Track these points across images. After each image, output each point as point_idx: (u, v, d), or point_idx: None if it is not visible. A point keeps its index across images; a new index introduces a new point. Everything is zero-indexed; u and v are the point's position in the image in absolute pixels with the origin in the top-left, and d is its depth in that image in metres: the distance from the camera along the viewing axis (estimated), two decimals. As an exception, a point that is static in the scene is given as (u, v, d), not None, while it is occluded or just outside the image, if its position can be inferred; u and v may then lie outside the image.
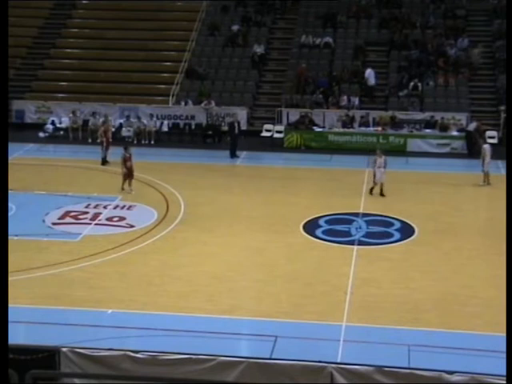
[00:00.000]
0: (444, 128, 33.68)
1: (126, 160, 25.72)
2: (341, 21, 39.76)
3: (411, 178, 28.70)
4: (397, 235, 22.63)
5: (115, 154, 28.22)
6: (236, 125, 32.23)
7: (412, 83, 35.98)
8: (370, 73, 36.09)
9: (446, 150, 33.12)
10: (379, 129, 33.85)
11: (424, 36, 38.46)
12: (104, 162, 29.50)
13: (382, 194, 26.03)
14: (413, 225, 23.29)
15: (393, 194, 26.37)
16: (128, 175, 25.77)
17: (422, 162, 31.51)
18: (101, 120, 34.30)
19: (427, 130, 33.84)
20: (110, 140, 30.06)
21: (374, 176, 26.15)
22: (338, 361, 14.42)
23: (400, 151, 32.72)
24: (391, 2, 40.41)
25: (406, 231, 22.86)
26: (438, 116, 34.10)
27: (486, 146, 27.93)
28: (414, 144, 33.31)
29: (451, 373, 12.09)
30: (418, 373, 12.32)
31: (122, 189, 25.77)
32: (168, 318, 17.04)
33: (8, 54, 14.03)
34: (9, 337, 15.57)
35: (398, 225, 23.40)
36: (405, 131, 33.83)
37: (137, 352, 13.69)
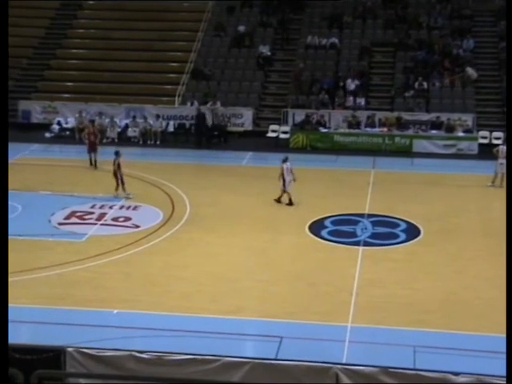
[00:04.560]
0: (450, 129, 33.63)
1: (119, 165, 25.50)
2: (347, 21, 39.72)
3: (417, 179, 28.67)
4: (402, 236, 22.60)
5: (123, 153, 28.33)
6: (207, 117, 33.74)
7: (418, 84, 35.94)
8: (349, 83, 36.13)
9: (452, 150, 33.08)
10: (385, 129, 33.81)
11: (430, 37, 38.41)
12: (91, 163, 29.33)
13: (291, 203, 24.89)
14: (418, 226, 23.27)
15: (398, 195, 26.35)
16: (122, 180, 25.60)
17: (427, 162, 31.46)
18: (106, 120, 34.43)
19: (433, 131, 33.79)
20: (97, 141, 29.74)
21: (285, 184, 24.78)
22: (344, 361, 14.40)
23: (406, 152, 32.71)
24: (397, 3, 40.36)
25: (412, 232, 22.84)
26: (443, 117, 34.05)
27: (501, 147, 27.90)
28: (419, 145, 33.27)
29: (457, 374, 12.07)
30: (423, 374, 12.32)
31: (118, 193, 25.59)
32: (173, 319, 17.05)
33: (8, 54, 14.04)
34: (15, 337, 15.63)
35: (403, 226, 23.37)
36: (410, 132, 33.79)
37: (142, 352, 13.71)
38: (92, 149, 29.38)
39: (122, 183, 25.52)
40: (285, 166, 25.04)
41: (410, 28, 38.87)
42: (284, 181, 24.92)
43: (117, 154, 25.76)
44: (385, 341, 15.97)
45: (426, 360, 14.72)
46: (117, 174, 25.42)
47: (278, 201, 25.15)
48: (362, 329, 16.60)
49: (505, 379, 11.61)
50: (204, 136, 33.80)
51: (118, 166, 25.45)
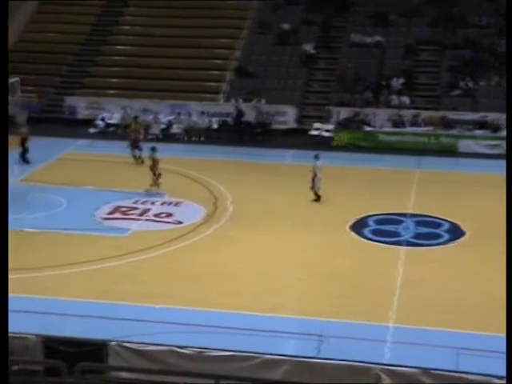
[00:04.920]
0: (496, 128, 33.19)
1: (156, 161, 25.69)
2: (392, 19, 39.43)
3: (462, 179, 28.34)
4: (445, 236, 22.39)
5: (167, 150, 28.52)
6: (251, 114, 34.54)
7: (464, 83, 35.55)
8: None
9: (498, 150, 32.58)
10: (430, 129, 33.51)
11: (477, 35, 37.93)
12: (134, 159, 29.48)
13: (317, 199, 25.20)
14: (462, 226, 23.02)
15: (442, 195, 26.09)
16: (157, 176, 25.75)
17: (473, 162, 31.06)
18: (151, 117, 34.63)
19: (479, 131, 33.38)
20: (140, 137, 29.85)
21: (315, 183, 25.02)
22: (385, 362, 14.31)
23: (451, 152, 32.35)
24: (444, 1, 39.92)
25: (455, 233, 22.62)
26: (490, 116, 33.60)
27: None
28: (465, 144, 32.89)
29: (501, 377, 11.92)
30: (466, 376, 12.20)
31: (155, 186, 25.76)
32: (214, 315, 17.11)
33: (8, 53, 14.24)
34: (59, 329, 15.88)
35: (447, 226, 23.15)
36: (456, 131, 33.42)
37: (183, 347, 13.81)
38: (135, 145, 29.59)
39: (157, 179, 25.60)
40: (317, 163, 25.04)
41: (457, 26, 38.43)
42: (314, 179, 24.97)
43: (153, 150, 25.96)
44: (426, 342, 15.83)
45: (469, 362, 14.52)
46: (153, 169, 25.58)
47: (317, 199, 25.14)
48: (403, 329, 16.50)
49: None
50: (242, 132, 33.99)
51: (155, 161, 25.61)
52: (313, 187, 25.05)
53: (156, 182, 25.63)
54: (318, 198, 25.14)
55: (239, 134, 34.01)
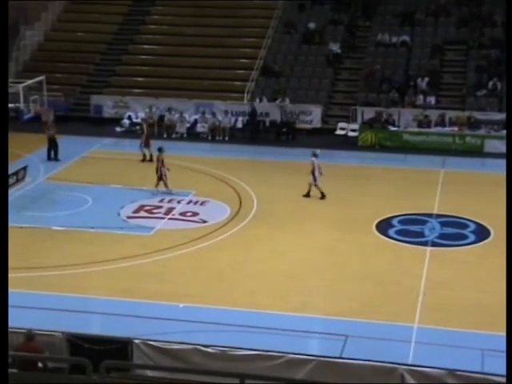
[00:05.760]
0: (523, 129, 32.89)
1: (163, 161, 25.72)
2: (419, 19, 39.23)
3: (488, 180, 28.13)
4: (471, 237, 22.26)
5: (192, 149, 28.54)
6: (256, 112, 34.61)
7: (491, 83, 35.30)
8: None
9: (525, 151, 32.34)
10: (455, 129, 33.31)
11: (504, 34, 37.62)
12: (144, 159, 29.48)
13: (323, 197, 25.27)
14: (488, 227, 22.87)
15: (468, 196, 25.93)
16: (165, 176, 25.65)
17: (499, 163, 30.76)
18: (176, 116, 34.70)
19: (506, 131, 33.09)
20: (144, 137, 29.92)
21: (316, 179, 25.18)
22: (410, 362, 14.26)
23: (477, 152, 32.14)
24: (470, 0, 39.64)
25: (481, 233, 22.46)
26: (517, 116, 33.30)
27: None
28: (491, 145, 32.63)
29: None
30: (491, 378, 12.12)
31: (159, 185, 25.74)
32: (238, 314, 17.14)
33: (8, 53, 14.29)
34: (84, 327, 15.97)
35: (473, 227, 23.00)
36: (482, 132, 33.19)
37: (207, 346, 13.84)
38: (146, 144, 29.58)
39: (162, 179, 25.51)
40: (314, 160, 25.18)
41: (484, 26, 38.15)
42: (314, 175, 25.10)
43: (160, 150, 25.93)
44: (452, 343, 15.75)
45: (494, 364, 14.40)
46: (159, 169, 25.55)
47: (308, 195, 25.30)
48: (428, 330, 16.43)
49: None
50: (257, 131, 34.15)
51: (162, 162, 25.57)
52: (316, 183, 25.14)
53: (160, 181, 25.57)
54: (308, 194, 25.29)
55: (253, 132, 34.03)
